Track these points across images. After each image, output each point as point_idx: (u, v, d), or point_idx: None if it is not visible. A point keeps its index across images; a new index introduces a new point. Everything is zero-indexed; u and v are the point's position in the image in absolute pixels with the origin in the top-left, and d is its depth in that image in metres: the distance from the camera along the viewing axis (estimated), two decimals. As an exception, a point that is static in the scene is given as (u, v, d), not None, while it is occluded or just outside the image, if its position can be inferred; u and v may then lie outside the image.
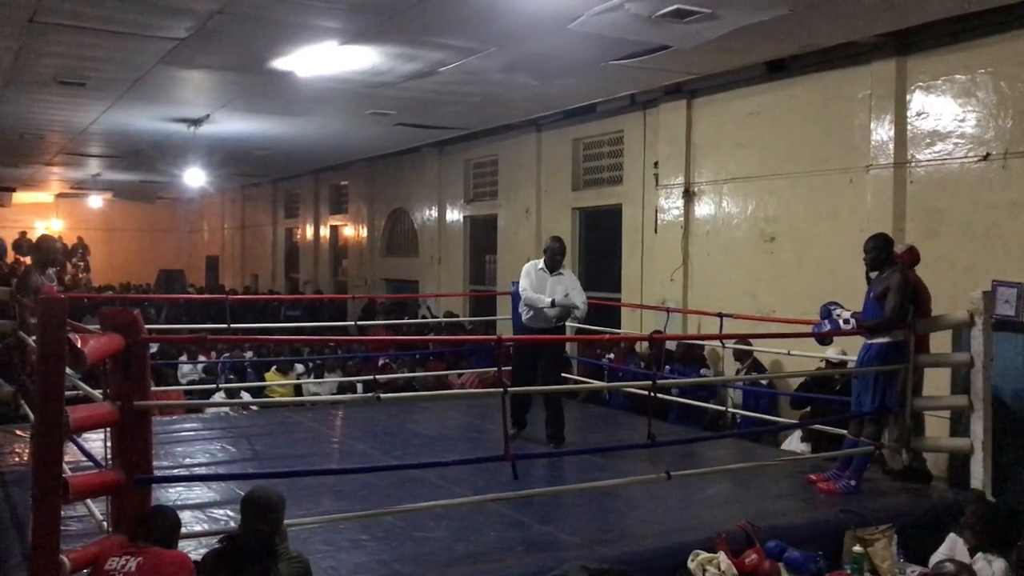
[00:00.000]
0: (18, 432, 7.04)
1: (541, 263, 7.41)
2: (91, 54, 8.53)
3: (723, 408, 8.32)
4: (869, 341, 6.12)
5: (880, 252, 6.07)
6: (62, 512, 3.70)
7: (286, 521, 3.87)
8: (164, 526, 3.77)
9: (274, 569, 3.52)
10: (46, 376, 3.57)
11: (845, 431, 6.68)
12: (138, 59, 8.70)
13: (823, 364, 7.58)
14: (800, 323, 7.11)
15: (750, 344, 8.43)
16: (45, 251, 6.98)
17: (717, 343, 8.76)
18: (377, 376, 9.76)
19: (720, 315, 7.97)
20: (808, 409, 8.03)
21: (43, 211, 27.74)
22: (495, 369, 7.62)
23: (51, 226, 27.69)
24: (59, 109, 11.80)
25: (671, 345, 9.83)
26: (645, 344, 10.14)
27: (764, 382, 8.78)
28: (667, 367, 9.39)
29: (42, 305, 3.66)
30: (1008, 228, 7.31)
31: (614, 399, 9.68)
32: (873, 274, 6.17)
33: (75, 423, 3.68)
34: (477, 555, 4.62)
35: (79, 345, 3.66)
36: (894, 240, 6.29)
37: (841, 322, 6.18)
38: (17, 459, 6.40)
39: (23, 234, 24.57)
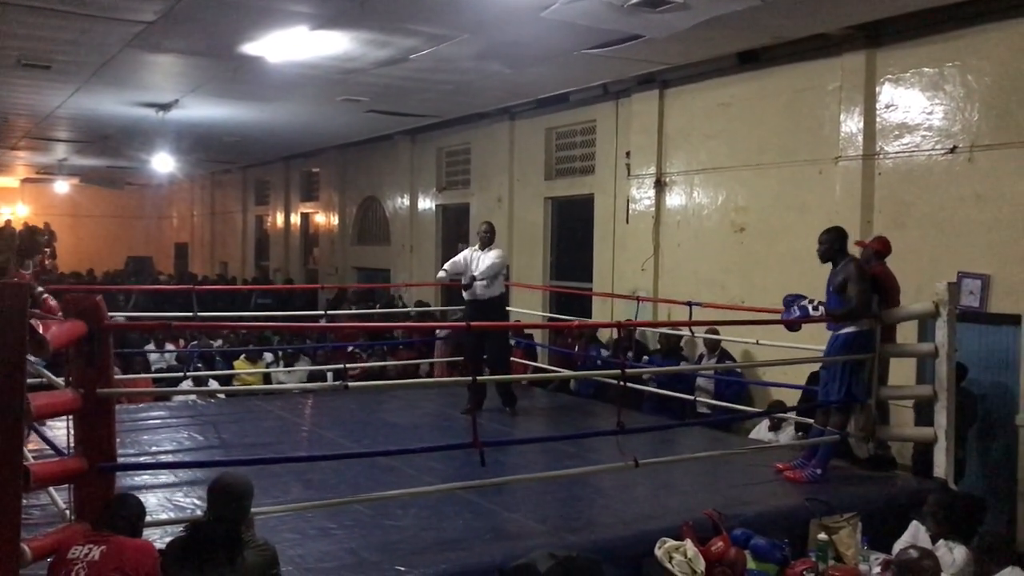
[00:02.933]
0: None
1: (477, 244, 8.27)
2: (56, 36, 8.39)
3: (691, 397, 8.36)
4: (836, 332, 6.17)
5: (833, 244, 6.13)
6: (24, 500, 3.64)
7: (254, 509, 3.84)
8: (128, 514, 3.73)
9: (240, 557, 3.49)
10: (7, 363, 3.51)
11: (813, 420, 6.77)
12: (105, 42, 8.56)
13: None
14: (767, 311, 7.16)
15: (718, 334, 8.49)
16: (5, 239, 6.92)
17: (695, 334, 8.81)
18: (348, 365, 9.71)
19: (689, 304, 8.02)
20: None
21: (8, 196, 27.32)
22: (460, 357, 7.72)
23: (16, 212, 27.26)
24: (24, 92, 11.61)
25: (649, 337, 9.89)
26: (609, 334, 10.17)
27: (737, 370, 8.84)
28: (645, 358, 9.43)
29: (2, 291, 3.59)
30: (973, 220, 7.39)
31: (583, 388, 9.72)
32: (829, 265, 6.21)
33: (36, 410, 3.61)
34: (445, 543, 4.63)
35: (41, 331, 3.60)
36: (848, 234, 6.29)
37: (810, 308, 6.21)
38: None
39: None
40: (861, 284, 5.95)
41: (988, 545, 4.52)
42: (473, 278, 7.97)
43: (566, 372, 9.05)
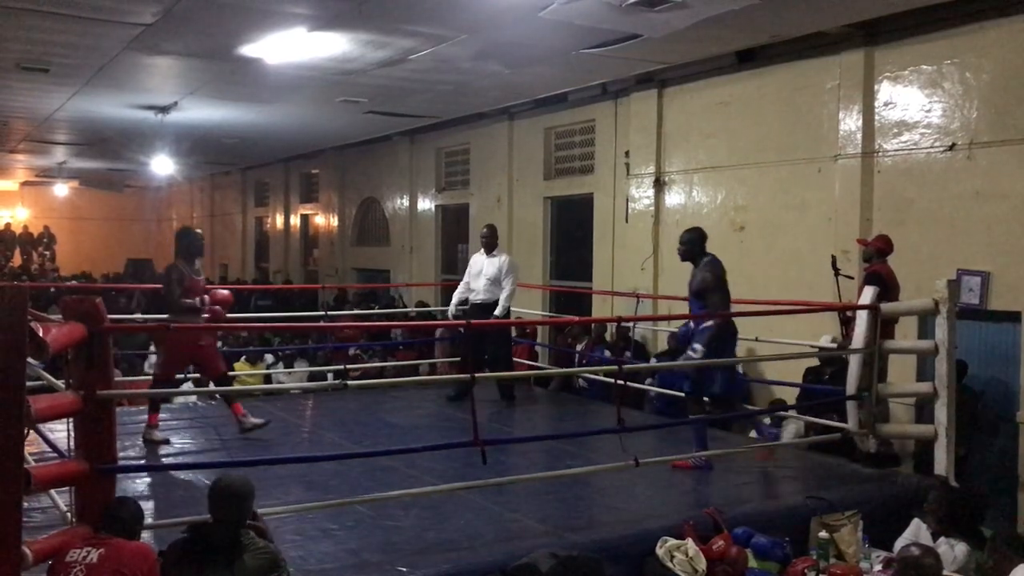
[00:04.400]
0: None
1: (482, 249, 8.50)
2: (54, 39, 8.39)
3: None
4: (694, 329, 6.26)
5: (693, 245, 6.29)
6: (26, 503, 3.65)
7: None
8: (126, 517, 3.73)
9: (239, 560, 3.49)
10: (7, 365, 3.51)
11: (814, 418, 6.79)
12: (103, 45, 8.56)
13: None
14: (767, 303, 7.16)
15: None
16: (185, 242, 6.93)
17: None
18: (348, 366, 9.69)
19: (688, 299, 8.00)
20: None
21: (8, 199, 27.31)
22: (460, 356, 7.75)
23: (16, 215, 27.27)
24: (23, 95, 11.61)
25: (649, 339, 9.88)
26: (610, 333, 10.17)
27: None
28: (652, 359, 9.41)
29: (2, 293, 3.59)
30: (973, 217, 7.39)
31: (588, 389, 9.70)
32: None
33: (37, 413, 3.61)
34: (447, 543, 4.62)
35: (41, 334, 3.60)
36: (707, 235, 6.40)
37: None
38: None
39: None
40: (719, 292, 6.12)
41: (1006, 538, 4.48)
42: (507, 309, 8.24)
43: (566, 370, 9.04)
